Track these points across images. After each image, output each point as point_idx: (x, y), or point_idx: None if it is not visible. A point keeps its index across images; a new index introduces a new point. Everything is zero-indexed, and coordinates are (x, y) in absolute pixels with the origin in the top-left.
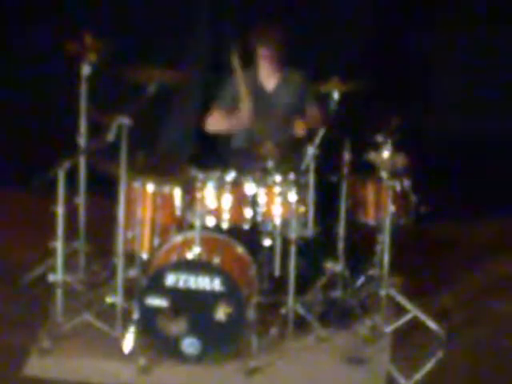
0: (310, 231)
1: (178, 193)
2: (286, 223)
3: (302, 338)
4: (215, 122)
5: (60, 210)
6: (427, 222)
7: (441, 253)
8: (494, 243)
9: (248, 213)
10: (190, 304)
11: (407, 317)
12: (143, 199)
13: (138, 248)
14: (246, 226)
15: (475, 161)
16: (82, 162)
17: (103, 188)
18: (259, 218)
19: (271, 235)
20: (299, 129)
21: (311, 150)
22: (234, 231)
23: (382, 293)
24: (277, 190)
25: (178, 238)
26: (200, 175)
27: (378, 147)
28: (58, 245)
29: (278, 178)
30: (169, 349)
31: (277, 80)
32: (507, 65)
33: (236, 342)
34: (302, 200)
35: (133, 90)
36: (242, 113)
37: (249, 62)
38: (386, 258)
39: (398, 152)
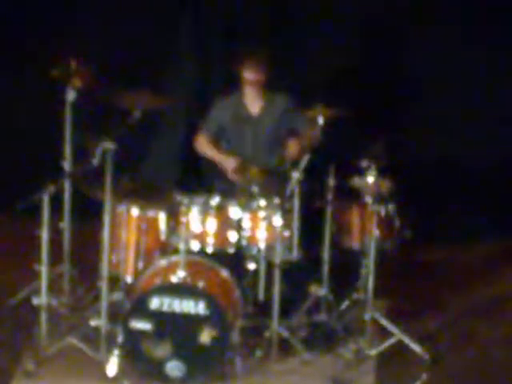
0: (295, 255)
1: (162, 217)
2: (270, 247)
3: (286, 361)
4: (201, 147)
5: (44, 234)
6: (412, 246)
7: (426, 276)
8: (480, 266)
9: (233, 237)
10: (174, 327)
11: (391, 340)
12: (128, 223)
13: (123, 271)
14: (231, 250)
15: (462, 185)
16: (67, 186)
17: (88, 212)
18: (244, 242)
19: (256, 259)
20: (292, 150)
21: (296, 175)
22: (219, 255)
23: (367, 316)
24: (261, 214)
25: (162, 262)
26: (185, 200)
27: (362, 172)
28: (43, 268)
29: (262, 202)
30: (153, 372)
31: (262, 104)
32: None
33: (220, 364)
34: (286, 224)
35: (118, 115)
36: (226, 164)
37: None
38: (371, 282)
39: (383, 177)
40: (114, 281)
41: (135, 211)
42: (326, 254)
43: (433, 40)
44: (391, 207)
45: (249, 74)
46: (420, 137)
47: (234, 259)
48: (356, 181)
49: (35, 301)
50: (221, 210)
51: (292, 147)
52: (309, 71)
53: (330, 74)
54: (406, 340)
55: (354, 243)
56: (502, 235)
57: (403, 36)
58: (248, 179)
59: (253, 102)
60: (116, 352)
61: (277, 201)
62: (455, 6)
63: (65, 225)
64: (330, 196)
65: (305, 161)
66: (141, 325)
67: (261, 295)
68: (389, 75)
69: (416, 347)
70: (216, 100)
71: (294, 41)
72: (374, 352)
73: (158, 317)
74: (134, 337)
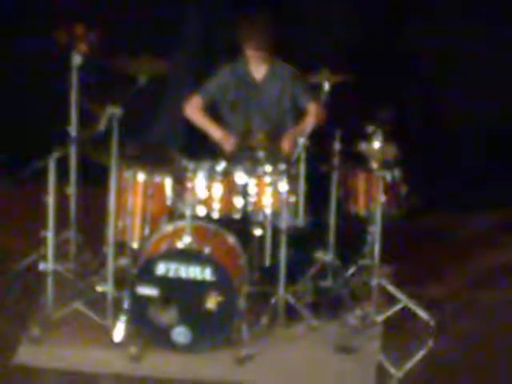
0: (301, 221)
1: (168, 182)
2: (276, 213)
3: (292, 327)
4: (192, 112)
5: (50, 199)
6: (418, 213)
7: (432, 243)
8: (485, 234)
9: (238, 203)
10: (180, 293)
11: (398, 306)
12: (134, 189)
13: (129, 237)
14: (237, 216)
15: (467, 153)
16: (73, 151)
17: (94, 178)
18: (250, 208)
19: (262, 225)
20: (286, 144)
21: (301, 140)
22: (225, 221)
23: (373, 282)
24: (267, 180)
25: (168, 228)
26: (190, 165)
27: (368, 138)
28: (49, 234)
29: (268, 168)
30: (159, 338)
31: (265, 71)
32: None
33: (227, 331)
34: (292, 190)
35: (123, 80)
36: (221, 139)
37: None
38: (377, 248)
39: (389, 143)
40: (120, 246)
41: (141, 177)
42: (332, 220)
43: (440, 9)
44: (397, 173)
45: (249, 43)
46: (426, 104)
47: (239, 225)
48: (362, 146)
49: (41, 266)
50: (227, 176)
51: (285, 143)
52: (315, 39)
53: (337, 42)
54: (413, 306)
55: (360, 209)
56: (508, 204)
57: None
58: (253, 145)
59: (256, 68)
60: (122, 318)
61: (282, 166)
62: None
63: (71, 190)
64: (335, 161)
65: (310, 130)
66: (147, 291)
67: (267, 261)
68: (395, 42)
69: (422, 313)
70: (220, 65)
71: (300, 10)
72: (380, 318)
73: (165, 282)
74: (140, 303)
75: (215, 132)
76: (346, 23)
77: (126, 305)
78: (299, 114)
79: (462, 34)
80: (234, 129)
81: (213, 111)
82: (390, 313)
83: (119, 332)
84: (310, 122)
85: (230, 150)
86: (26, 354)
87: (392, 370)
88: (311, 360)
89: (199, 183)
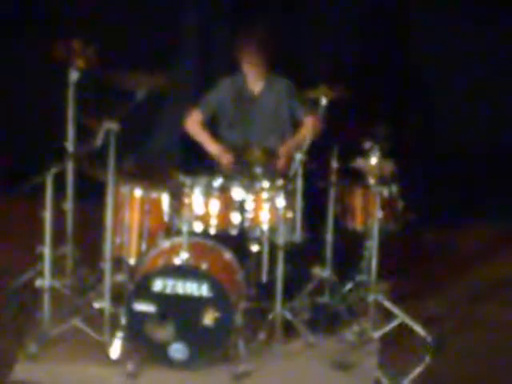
0: (298, 237)
1: (165, 198)
2: (273, 229)
3: (289, 343)
4: (192, 126)
5: (47, 215)
6: (415, 228)
7: (429, 259)
8: (483, 249)
9: (236, 218)
10: (177, 309)
11: (395, 322)
12: (131, 204)
13: (126, 253)
14: (234, 232)
15: (465, 167)
16: (70, 167)
17: (91, 193)
18: (247, 224)
19: (259, 241)
20: (282, 156)
21: (299, 156)
22: (222, 237)
23: (370, 298)
24: (264, 195)
25: (165, 244)
26: (188, 181)
27: (365, 154)
28: (46, 250)
29: (265, 183)
30: (157, 354)
31: (263, 84)
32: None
33: (224, 347)
34: (289, 206)
35: (121, 95)
36: (218, 154)
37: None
38: (374, 264)
39: (386, 158)
40: (117, 262)
41: (138, 192)
42: (329, 236)
43: (438, 24)
44: (394, 189)
45: (246, 58)
46: (424, 119)
47: (236, 241)
48: (359, 162)
49: (38, 283)
50: (224, 192)
51: (281, 155)
52: (312, 54)
53: (334, 57)
54: (410, 322)
55: (358, 225)
56: (507, 217)
57: (408, 20)
58: (251, 160)
59: (254, 82)
60: (119, 334)
61: (280, 182)
62: None
63: (68, 206)
64: (333, 177)
65: (308, 143)
66: (144, 307)
67: (264, 277)
68: (393, 58)
69: (419, 329)
70: (218, 80)
71: (298, 23)
72: (377, 334)
73: (162, 299)
74: (137, 319)
75: (213, 147)
76: (344, 39)
77: (123, 321)
78: (296, 128)
79: (461, 47)
80: (232, 143)
81: (211, 127)
82: (387, 329)
83: (116, 348)
84: (306, 135)
85: (227, 165)
86: (23, 371)
87: None
88: (308, 376)
89: (196, 199)
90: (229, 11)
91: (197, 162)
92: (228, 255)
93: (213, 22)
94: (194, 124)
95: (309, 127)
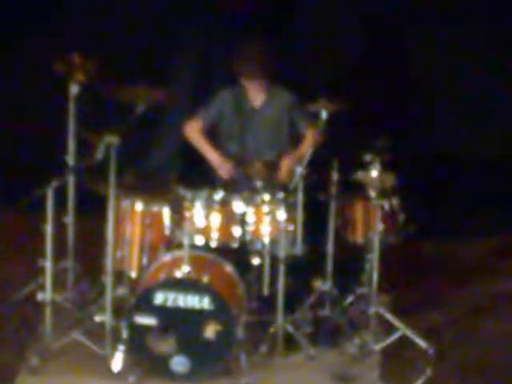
0: (299, 250)
1: (166, 212)
2: (274, 242)
3: (291, 356)
4: (192, 134)
5: (49, 228)
6: (416, 241)
7: (430, 271)
8: (484, 262)
9: (237, 231)
10: (178, 322)
11: (396, 335)
12: (132, 218)
13: (127, 267)
14: (235, 245)
15: (465, 180)
16: (71, 180)
17: (92, 207)
18: (248, 237)
19: (260, 254)
20: (284, 170)
21: (299, 169)
22: (223, 250)
23: (371, 311)
24: (265, 208)
25: (166, 257)
26: (188, 194)
27: (366, 166)
28: (47, 264)
29: (266, 196)
30: (158, 367)
31: (264, 97)
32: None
33: (225, 360)
34: (290, 219)
35: (121, 109)
36: (217, 164)
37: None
38: (375, 277)
39: (387, 171)
40: (119, 276)
41: (139, 206)
42: (330, 249)
43: (436, 37)
44: (395, 201)
45: (245, 73)
46: (424, 131)
47: (238, 254)
48: (360, 175)
49: (39, 296)
50: (225, 205)
51: (283, 169)
52: (313, 66)
53: (334, 70)
54: (411, 335)
55: (358, 237)
56: (507, 230)
57: (406, 33)
58: (252, 173)
59: (255, 95)
60: (121, 347)
61: (281, 195)
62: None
63: (69, 220)
64: (333, 190)
65: (308, 155)
66: (145, 320)
67: (265, 290)
68: (392, 71)
69: (421, 342)
70: (219, 91)
71: (298, 36)
72: (378, 347)
73: (163, 312)
74: (138, 332)
75: (213, 157)
76: (344, 51)
77: (124, 334)
78: (297, 140)
79: (461, 59)
80: (231, 155)
81: (210, 139)
82: (388, 341)
83: (118, 362)
84: (307, 148)
85: (227, 176)
86: None
87: None
88: None
89: (197, 212)
90: (228, 26)
91: (197, 175)
92: (229, 268)
93: (212, 35)
94: (193, 131)
95: (310, 140)
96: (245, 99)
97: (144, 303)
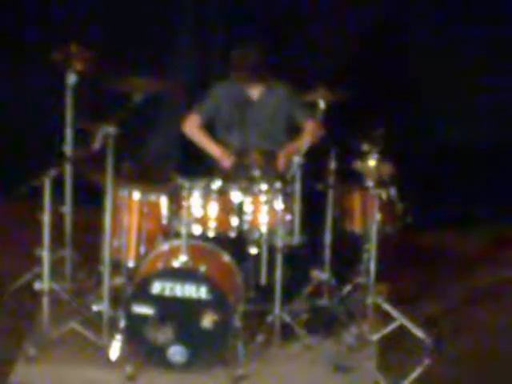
0: (296, 239)
1: (164, 201)
2: (272, 231)
3: (288, 345)
4: (190, 129)
5: (46, 218)
6: (413, 231)
7: (427, 261)
8: (481, 253)
9: (234, 221)
10: (176, 312)
11: (394, 325)
12: (129, 207)
13: (125, 256)
14: (232, 234)
15: (463, 170)
16: (68, 170)
17: (89, 196)
18: (245, 226)
19: (257, 243)
20: (282, 161)
21: (297, 159)
22: (220, 239)
23: (369, 301)
24: (263, 198)
25: (164, 246)
26: (186, 183)
27: (364, 156)
28: (44, 253)
29: (264, 186)
30: (155, 357)
31: (262, 89)
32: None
33: (222, 349)
34: (288, 208)
35: (119, 99)
36: (219, 156)
37: None
38: (373, 266)
39: (384, 161)
40: (116, 265)
41: (137, 195)
42: (327, 238)
43: (435, 29)
44: (393, 191)
45: (241, 77)
46: (422, 121)
47: (235, 243)
48: (357, 164)
49: (37, 286)
50: (222, 194)
51: (281, 160)
52: (311, 56)
53: (332, 60)
54: (408, 325)
55: (356, 227)
56: (504, 221)
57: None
58: (249, 163)
59: (253, 87)
60: (118, 337)
61: (278, 184)
62: None
63: (66, 209)
64: (331, 180)
65: (307, 145)
66: (143, 309)
67: (262, 279)
68: (390, 62)
69: (418, 332)
70: (216, 83)
71: (297, 28)
72: (376, 336)
73: (160, 301)
74: (136, 321)
75: (214, 149)
76: (342, 41)
77: (121, 324)
78: (295, 132)
79: (459, 50)
80: (230, 147)
81: (209, 130)
82: (386, 331)
83: (115, 351)
84: (306, 139)
85: (228, 167)
86: (22, 374)
87: None
88: (307, 379)
89: (195, 202)
90: (226, 16)
91: (195, 165)
92: (227, 258)
93: (209, 26)
94: (192, 127)
95: (309, 132)
96: (242, 91)
97: (141, 293)
